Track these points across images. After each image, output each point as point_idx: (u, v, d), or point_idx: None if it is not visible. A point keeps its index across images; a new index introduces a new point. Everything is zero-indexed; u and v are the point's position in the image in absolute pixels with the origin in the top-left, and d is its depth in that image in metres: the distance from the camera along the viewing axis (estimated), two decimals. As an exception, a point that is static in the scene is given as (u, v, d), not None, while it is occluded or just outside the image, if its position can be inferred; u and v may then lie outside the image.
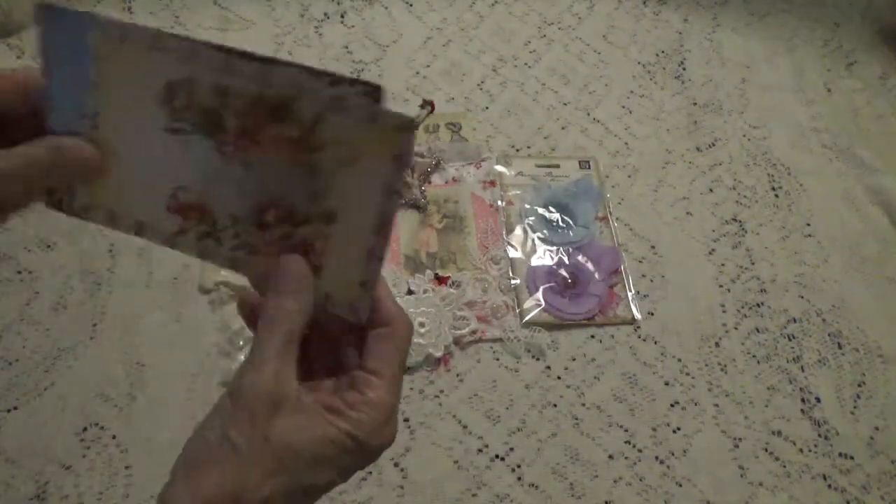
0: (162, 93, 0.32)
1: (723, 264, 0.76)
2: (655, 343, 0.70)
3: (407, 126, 0.30)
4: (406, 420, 0.64)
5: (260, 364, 0.30)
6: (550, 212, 0.77)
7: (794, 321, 0.73)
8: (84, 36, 0.32)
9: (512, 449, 0.63)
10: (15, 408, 0.61)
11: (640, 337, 0.71)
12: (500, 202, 0.77)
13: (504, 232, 0.75)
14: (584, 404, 0.66)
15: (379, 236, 0.32)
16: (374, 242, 0.32)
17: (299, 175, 0.32)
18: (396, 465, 0.61)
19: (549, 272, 0.73)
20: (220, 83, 0.31)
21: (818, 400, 0.68)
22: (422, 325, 0.67)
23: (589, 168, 0.81)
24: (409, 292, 0.70)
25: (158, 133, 0.33)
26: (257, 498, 0.29)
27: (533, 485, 0.62)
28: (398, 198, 0.32)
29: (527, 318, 0.70)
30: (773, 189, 0.83)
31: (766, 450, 0.65)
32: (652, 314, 0.72)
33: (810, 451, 0.66)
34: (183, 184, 0.33)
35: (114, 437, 0.60)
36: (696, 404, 0.67)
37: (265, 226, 0.33)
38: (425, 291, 0.70)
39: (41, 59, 0.33)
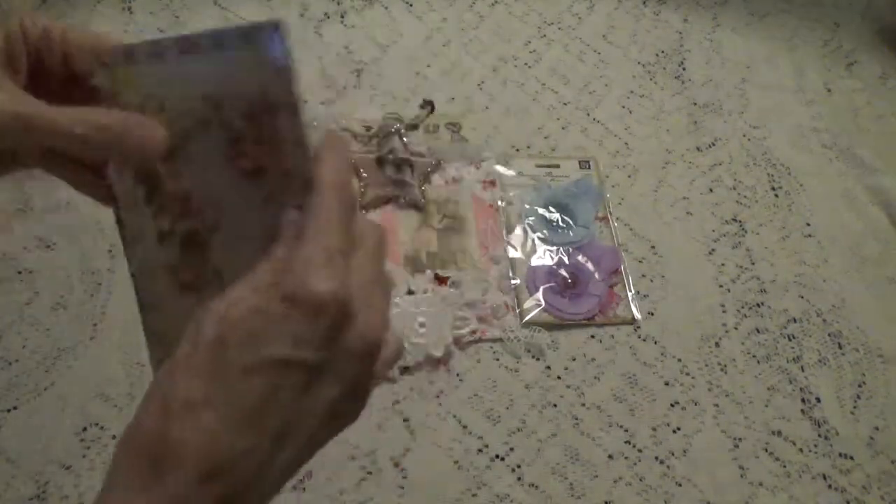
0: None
1: (723, 264, 0.76)
2: (655, 343, 0.70)
3: (265, 26, 0.29)
4: (406, 420, 0.64)
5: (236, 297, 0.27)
6: (550, 212, 0.77)
7: (794, 321, 0.73)
8: None
9: (512, 449, 0.63)
10: (15, 408, 0.61)
11: (640, 337, 0.71)
12: (500, 202, 0.77)
13: (504, 232, 0.75)
14: (584, 404, 0.66)
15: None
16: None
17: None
18: (396, 465, 0.61)
19: (549, 272, 0.73)
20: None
21: (818, 400, 0.68)
22: (422, 325, 0.67)
23: (589, 168, 0.81)
24: (410, 292, 0.70)
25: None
26: (190, 397, 0.25)
27: (533, 485, 0.62)
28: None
29: (527, 318, 0.70)
30: (773, 189, 0.83)
31: (766, 450, 0.65)
32: (652, 314, 0.72)
33: (810, 451, 0.66)
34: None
35: (114, 437, 0.60)
36: (696, 404, 0.67)
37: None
38: (425, 291, 0.70)
39: None
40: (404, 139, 0.78)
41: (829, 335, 0.73)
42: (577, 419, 0.65)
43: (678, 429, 0.66)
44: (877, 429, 0.67)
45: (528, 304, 0.71)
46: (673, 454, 0.64)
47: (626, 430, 0.65)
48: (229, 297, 0.27)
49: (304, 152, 0.30)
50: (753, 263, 0.77)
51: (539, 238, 0.75)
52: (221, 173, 0.32)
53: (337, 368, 0.27)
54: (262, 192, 0.31)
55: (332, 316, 0.26)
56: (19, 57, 0.31)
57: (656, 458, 0.64)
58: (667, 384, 0.68)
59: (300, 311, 0.26)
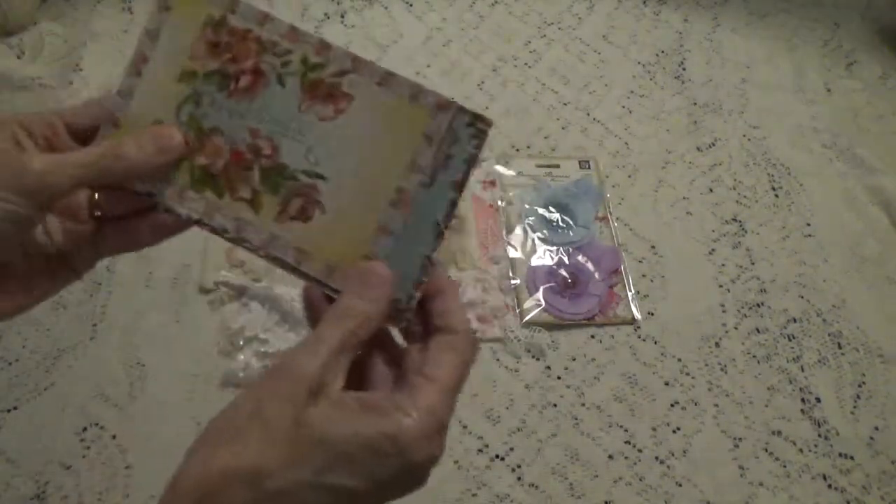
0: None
1: (723, 264, 0.76)
2: (655, 343, 0.70)
3: (444, 106, 0.33)
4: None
5: (313, 350, 0.30)
6: (550, 212, 0.77)
7: (794, 321, 0.73)
8: None
9: (512, 449, 0.63)
10: (15, 408, 0.61)
11: (640, 337, 0.71)
12: (500, 202, 0.77)
13: (504, 232, 0.75)
14: (584, 404, 0.66)
15: (396, 210, 0.33)
16: (389, 217, 0.33)
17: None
18: (396, 465, 0.61)
19: (549, 272, 0.73)
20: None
21: (818, 400, 0.68)
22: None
23: (589, 168, 0.81)
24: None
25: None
26: (273, 487, 0.27)
27: (533, 485, 0.62)
28: (423, 177, 0.33)
29: (527, 318, 0.70)
30: (773, 189, 0.83)
31: (766, 450, 0.65)
32: (652, 314, 0.72)
33: (810, 451, 0.66)
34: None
35: (114, 437, 0.60)
36: (696, 404, 0.67)
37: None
38: (425, 291, 0.69)
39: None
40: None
41: (829, 335, 0.73)
42: (577, 419, 0.65)
43: (678, 429, 0.66)
44: (877, 429, 0.67)
45: (528, 304, 0.71)
46: (673, 454, 0.64)
47: (626, 430, 0.65)
48: (337, 403, 0.29)
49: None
50: (753, 263, 0.77)
51: (539, 238, 0.75)
52: (233, 106, 0.36)
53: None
54: (276, 70, 0.35)
55: (417, 476, 0.30)
56: (29, 147, 0.34)
57: (656, 458, 0.64)
58: (667, 384, 0.68)
59: (397, 462, 0.29)
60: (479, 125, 0.33)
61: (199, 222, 0.35)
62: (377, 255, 0.33)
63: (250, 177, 0.35)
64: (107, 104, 0.36)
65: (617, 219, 0.78)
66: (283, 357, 0.30)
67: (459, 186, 0.33)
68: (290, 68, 0.35)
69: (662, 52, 0.94)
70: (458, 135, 0.33)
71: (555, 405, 0.66)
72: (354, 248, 0.34)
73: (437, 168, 0.33)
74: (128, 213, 0.37)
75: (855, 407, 0.69)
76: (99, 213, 0.37)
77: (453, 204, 0.33)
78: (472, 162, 0.33)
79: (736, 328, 0.72)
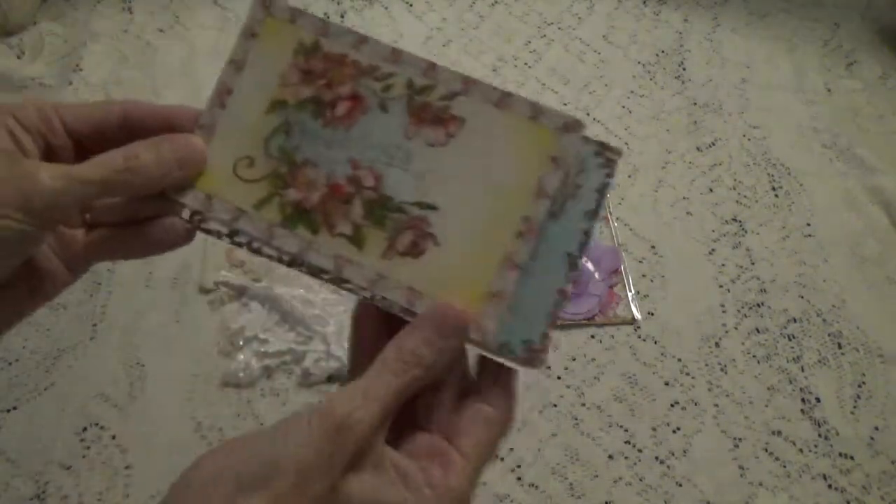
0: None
1: (723, 264, 0.76)
2: (655, 343, 0.70)
3: (571, 127, 0.31)
4: (406, 420, 0.64)
5: (369, 402, 0.27)
6: (550, 212, 0.77)
7: (794, 321, 0.73)
8: None
9: (512, 449, 0.63)
10: (15, 408, 0.61)
11: (640, 337, 0.71)
12: (500, 202, 0.77)
13: (504, 232, 0.75)
14: (584, 404, 0.66)
15: (522, 241, 0.31)
16: (515, 248, 0.31)
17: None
18: (396, 465, 0.61)
19: (549, 272, 0.73)
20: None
21: (818, 400, 0.68)
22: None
23: (589, 168, 0.81)
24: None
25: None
26: None
27: (533, 485, 0.62)
28: (551, 205, 0.31)
29: (527, 318, 0.70)
30: (773, 189, 0.83)
31: (766, 450, 0.65)
32: (652, 314, 0.72)
33: (810, 451, 0.66)
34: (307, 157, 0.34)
35: (114, 437, 0.60)
36: (696, 404, 0.67)
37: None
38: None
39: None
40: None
41: (829, 335, 0.73)
42: (577, 419, 0.65)
43: (678, 429, 0.66)
44: (877, 429, 0.67)
45: (528, 304, 0.70)
46: (673, 454, 0.64)
47: (626, 430, 0.65)
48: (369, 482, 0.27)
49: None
50: (753, 263, 0.77)
51: (539, 238, 0.75)
52: (329, 135, 0.33)
53: None
54: (377, 95, 0.33)
55: None
56: (28, 144, 0.31)
57: (656, 458, 0.64)
58: (667, 384, 0.68)
59: None
60: (607, 154, 0.31)
61: (291, 263, 0.32)
62: (502, 290, 0.31)
63: (350, 211, 0.32)
64: (205, 120, 0.34)
65: (617, 219, 0.78)
66: (335, 400, 0.27)
67: (593, 216, 0.31)
68: (393, 92, 0.33)
69: (662, 52, 0.94)
70: (586, 164, 0.31)
71: (555, 405, 0.66)
72: (474, 285, 0.31)
73: (567, 196, 0.31)
74: (124, 221, 0.34)
75: (855, 407, 0.69)
76: (90, 219, 0.35)
77: (587, 234, 0.31)
78: (604, 191, 0.31)
79: (736, 328, 0.72)
